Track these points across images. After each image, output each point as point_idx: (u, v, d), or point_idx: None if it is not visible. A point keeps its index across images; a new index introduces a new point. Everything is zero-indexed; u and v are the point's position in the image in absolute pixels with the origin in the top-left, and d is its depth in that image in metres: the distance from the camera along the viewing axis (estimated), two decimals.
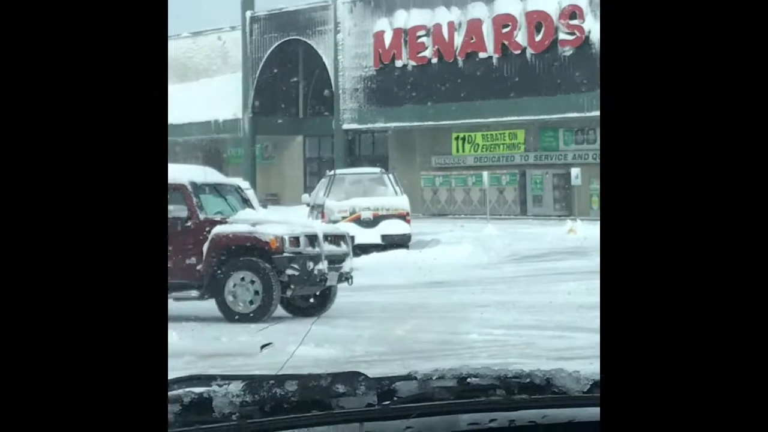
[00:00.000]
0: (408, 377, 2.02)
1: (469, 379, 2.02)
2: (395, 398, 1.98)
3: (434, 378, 2.01)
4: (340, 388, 1.96)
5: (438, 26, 41.20)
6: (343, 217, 24.20)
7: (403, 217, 24.97)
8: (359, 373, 2.02)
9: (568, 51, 37.40)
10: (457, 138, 42.22)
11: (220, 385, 1.97)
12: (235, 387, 1.95)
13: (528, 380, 2.03)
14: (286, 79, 45.33)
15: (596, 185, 37.90)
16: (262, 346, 3.05)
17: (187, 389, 1.98)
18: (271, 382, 1.97)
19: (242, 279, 14.15)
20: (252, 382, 1.97)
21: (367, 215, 24.57)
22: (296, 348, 2.59)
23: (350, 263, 15.04)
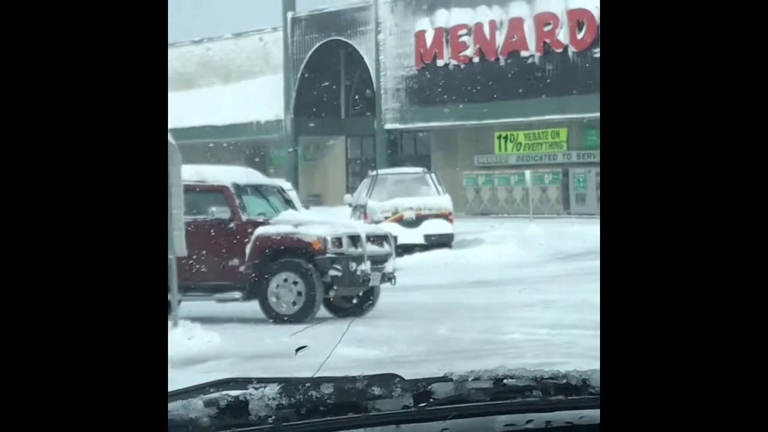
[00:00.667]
0: (444, 379, 2.02)
1: (505, 380, 2.01)
2: (431, 400, 1.97)
3: (470, 379, 2.00)
4: (376, 391, 1.96)
5: (479, 25, 41.15)
6: (386, 217, 24.20)
7: (445, 216, 24.93)
8: (395, 375, 2.01)
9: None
10: (499, 137, 42.13)
11: (256, 388, 1.98)
12: (271, 390, 1.95)
13: (564, 381, 2.02)
14: (328, 79, 45.39)
15: None
16: (297, 349, 3.05)
17: (224, 392, 1.98)
18: (307, 384, 1.97)
19: (285, 280, 14.18)
20: (288, 384, 1.98)
21: (409, 215, 24.55)
22: (332, 349, 2.59)
23: (393, 263, 15.04)
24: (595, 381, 2.02)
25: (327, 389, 1.95)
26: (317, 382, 1.98)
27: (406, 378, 2.03)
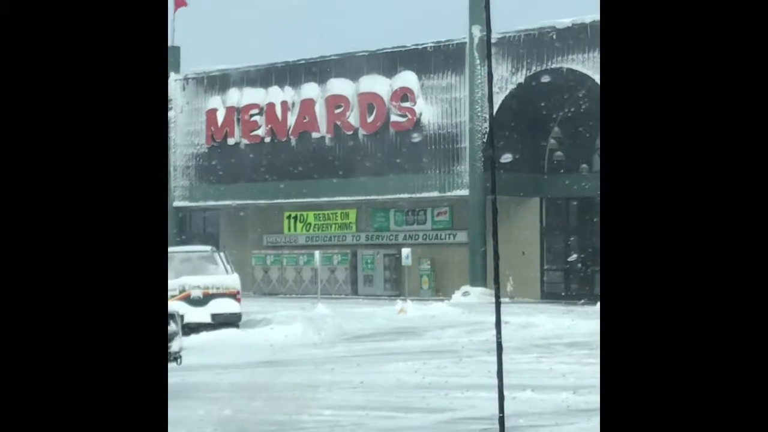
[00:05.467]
0: None
1: None
2: None
3: None
4: None
5: (271, 105, 41.34)
6: (173, 296, 23.88)
7: (233, 295, 24.77)
8: None
9: (416, 137, 37.80)
10: (288, 217, 42.25)
11: None
12: None
13: None
14: None
15: (426, 265, 38.24)
16: None
17: None
18: None
19: None
20: None
21: (197, 294, 24.29)
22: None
23: (179, 342, 14.79)
24: None
25: None
26: None
27: None
